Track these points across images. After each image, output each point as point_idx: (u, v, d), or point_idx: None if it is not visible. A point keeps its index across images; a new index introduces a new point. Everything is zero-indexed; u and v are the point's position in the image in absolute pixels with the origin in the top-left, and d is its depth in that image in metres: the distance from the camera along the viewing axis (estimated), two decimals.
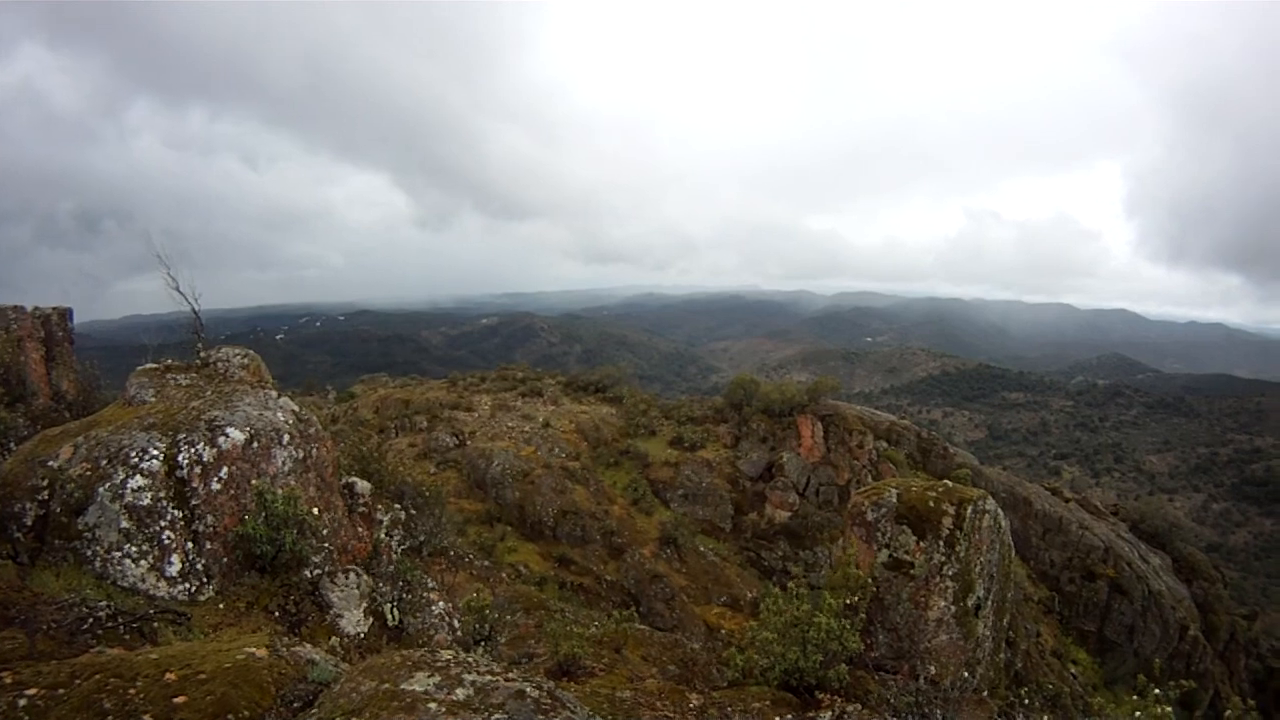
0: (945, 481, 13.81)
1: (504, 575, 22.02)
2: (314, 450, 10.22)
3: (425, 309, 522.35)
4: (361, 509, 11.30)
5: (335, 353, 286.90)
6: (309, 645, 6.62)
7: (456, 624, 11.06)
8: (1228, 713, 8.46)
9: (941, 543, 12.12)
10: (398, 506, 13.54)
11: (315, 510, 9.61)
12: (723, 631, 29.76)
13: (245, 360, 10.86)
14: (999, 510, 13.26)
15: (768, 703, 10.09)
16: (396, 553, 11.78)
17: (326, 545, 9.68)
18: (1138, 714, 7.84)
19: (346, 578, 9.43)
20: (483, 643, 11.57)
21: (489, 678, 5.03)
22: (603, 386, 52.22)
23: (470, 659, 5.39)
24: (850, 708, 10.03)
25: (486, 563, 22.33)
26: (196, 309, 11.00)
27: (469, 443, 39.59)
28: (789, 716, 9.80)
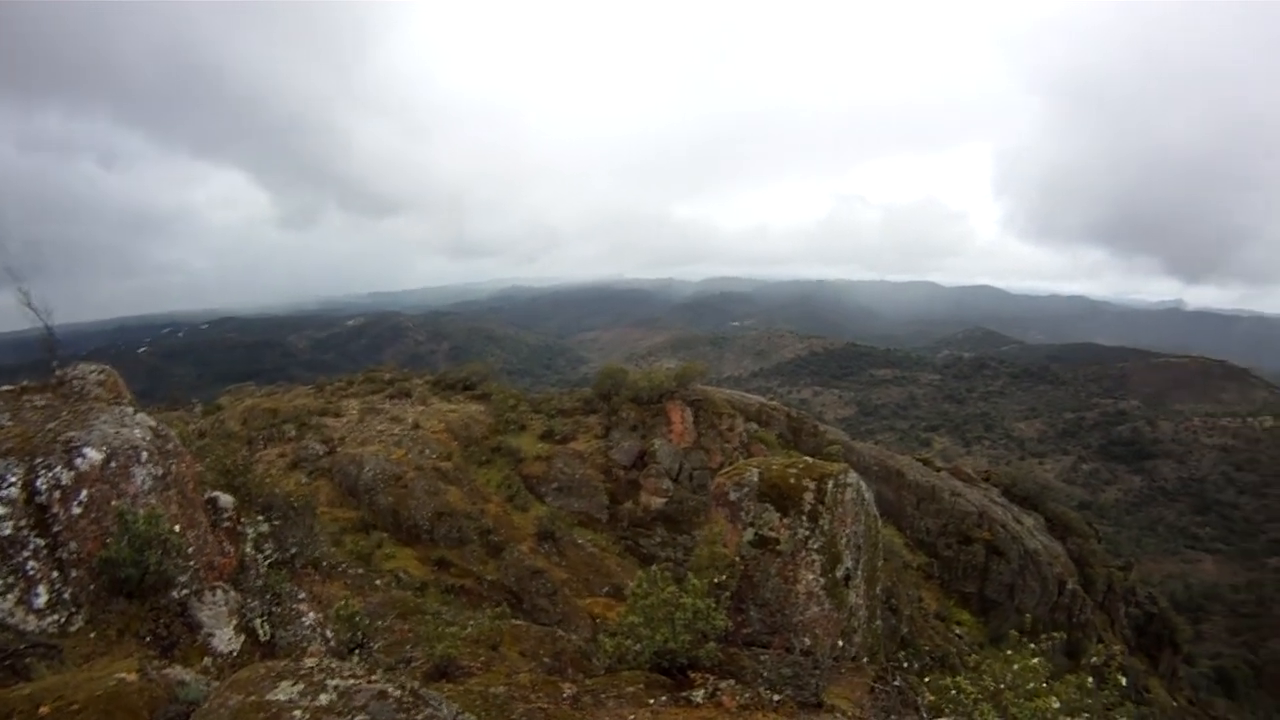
0: (806, 458, 14.33)
1: (379, 583, 21.86)
2: (173, 466, 10.06)
3: (290, 313, 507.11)
4: (226, 524, 11.16)
5: (200, 363, 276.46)
6: (180, 667, 6.66)
7: (329, 634, 11.08)
8: (1094, 658, 9.05)
9: (805, 518, 12.46)
10: (261, 518, 13.43)
11: (178, 528, 9.42)
12: (603, 622, 30.09)
13: (102, 376, 10.64)
14: (861, 482, 13.68)
15: (641, 686, 10.25)
16: (264, 566, 11.69)
17: (192, 564, 9.56)
18: (1015, 666, 8.34)
19: (214, 595, 9.38)
20: (357, 650, 11.60)
21: (352, 682, 5.13)
22: (471, 383, 51.58)
23: (334, 665, 5.50)
24: (724, 684, 10.31)
25: (361, 571, 22.13)
26: (49, 325, 10.72)
27: (339, 449, 38.80)
28: (663, 697, 9.96)
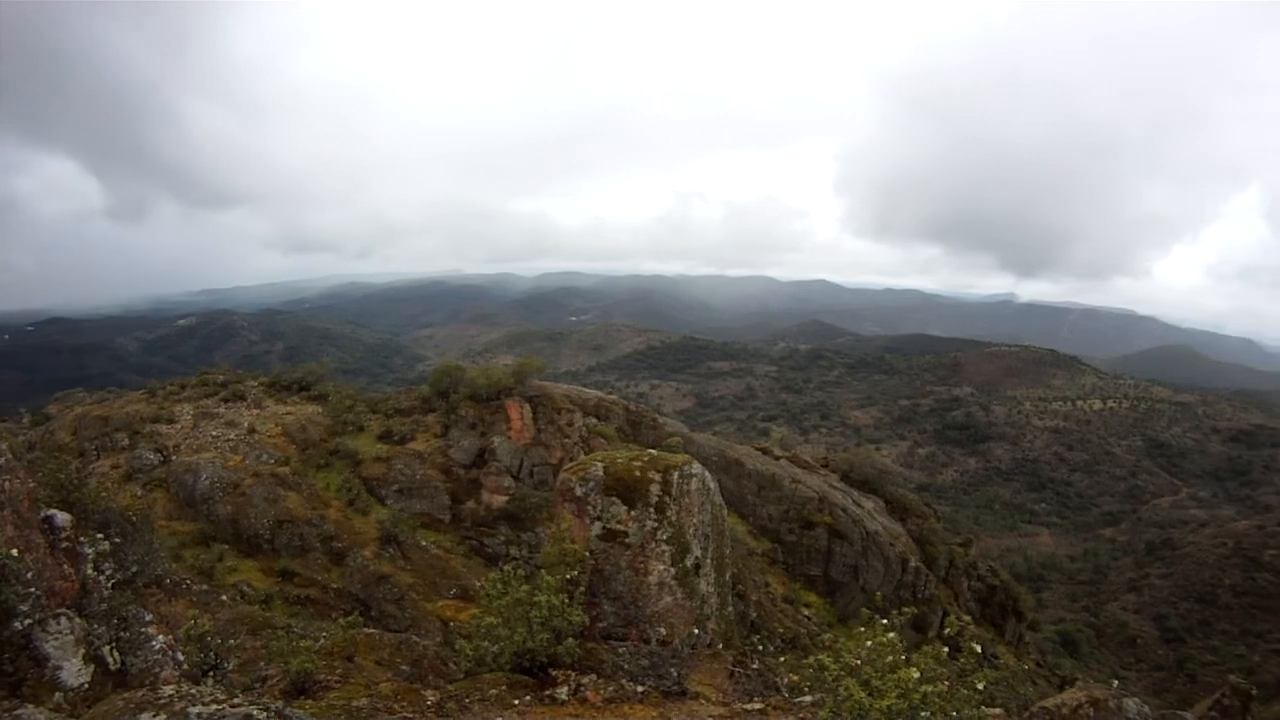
0: (650, 451, 14.64)
1: (225, 598, 21.15)
2: (6, 483, 9.54)
3: (119, 312, 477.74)
4: (64, 544, 10.62)
5: (27, 369, 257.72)
6: (32, 706, 6.41)
7: (180, 657, 10.72)
8: (947, 629, 9.58)
9: (652, 510, 12.67)
10: (99, 536, 12.86)
11: (15, 552, 8.94)
12: (455, 624, 29.90)
13: None
14: (705, 473, 14.03)
15: (504, 687, 10.28)
16: (107, 588, 11.21)
17: (33, 590, 9.10)
18: (869, 642, 8.71)
19: (58, 624, 8.97)
20: (211, 672, 11.28)
21: (215, 707, 5.04)
22: (307, 384, 50.05)
23: (194, 690, 5.41)
24: (586, 679, 10.49)
25: (205, 587, 21.33)
26: None
27: (174, 458, 37.19)
28: (527, 697, 10.01)
